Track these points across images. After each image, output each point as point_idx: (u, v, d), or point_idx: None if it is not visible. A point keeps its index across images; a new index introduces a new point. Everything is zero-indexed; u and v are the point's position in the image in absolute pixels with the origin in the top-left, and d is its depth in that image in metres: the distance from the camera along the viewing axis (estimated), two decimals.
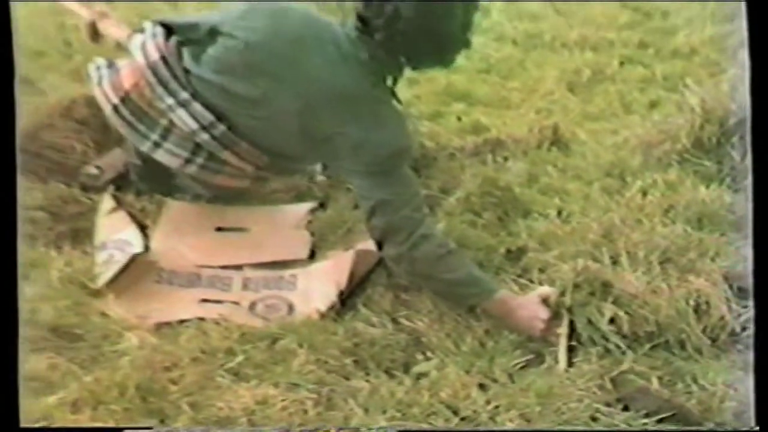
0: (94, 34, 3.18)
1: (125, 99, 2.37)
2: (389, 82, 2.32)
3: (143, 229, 2.43)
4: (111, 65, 2.48)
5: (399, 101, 2.35)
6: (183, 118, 2.31)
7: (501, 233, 2.61)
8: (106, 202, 2.54)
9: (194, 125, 2.30)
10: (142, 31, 2.50)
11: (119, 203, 2.51)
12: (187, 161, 2.37)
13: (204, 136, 2.31)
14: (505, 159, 3.12)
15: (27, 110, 3.17)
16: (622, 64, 4.16)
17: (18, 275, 2.06)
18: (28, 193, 2.62)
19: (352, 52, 2.23)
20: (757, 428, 2.00)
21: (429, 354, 2.11)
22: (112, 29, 3.10)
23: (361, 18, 2.22)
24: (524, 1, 4.95)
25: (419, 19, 2.14)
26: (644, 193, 2.81)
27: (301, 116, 2.23)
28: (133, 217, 2.47)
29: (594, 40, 4.42)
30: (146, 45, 2.40)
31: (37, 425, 1.91)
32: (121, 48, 2.81)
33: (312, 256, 2.48)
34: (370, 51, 2.21)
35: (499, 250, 2.51)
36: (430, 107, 3.60)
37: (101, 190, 2.62)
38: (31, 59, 3.87)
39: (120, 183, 2.57)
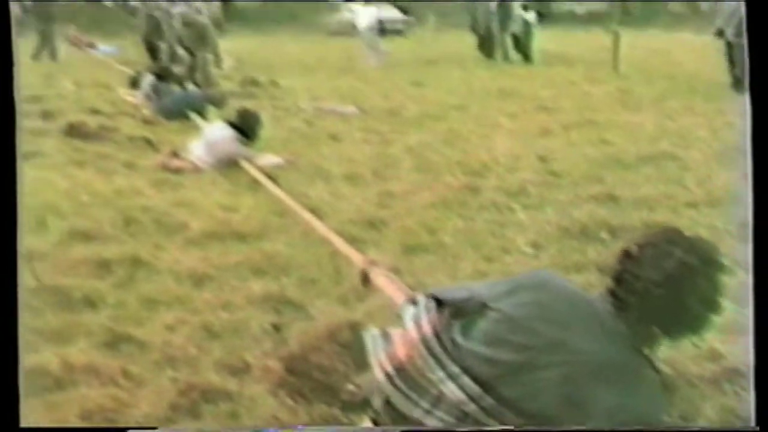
0: (365, 280, 3.53)
1: (399, 369, 2.56)
2: (646, 351, 2.42)
3: None
4: (385, 335, 2.69)
5: (657, 370, 2.43)
6: (453, 391, 2.47)
7: None
8: (366, 423, 2.72)
9: (463, 397, 2.46)
10: (414, 301, 2.73)
11: (376, 424, 2.68)
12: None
13: (472, 407, 2.46)
14: (743, 389, 3.10)
15: (297, 334, 3.52)
16: None
17: (18, 281, 2.24)
18: (293, 412, 2.88)
19: (611, 325, 2.35)
20: (758, 428, 2.11)
21: None
22: (382, 279, 3.44)
23: (614, 294, 2.36)
24: None
25: (668, 294, 2.27)
26: None
27: (563, 384, 2.35)
28: None
29: None
30: (420, 318, 2.62)
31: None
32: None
33: None
34: (627, 324, 2.34)
35: None
36: None
37: (359, 409, 2.83)
38: (303, 286, 4.26)
39: None
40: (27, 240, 4.67)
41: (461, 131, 8.93)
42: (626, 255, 2.36)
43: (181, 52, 14.37)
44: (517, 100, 11.61)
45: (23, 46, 17.37)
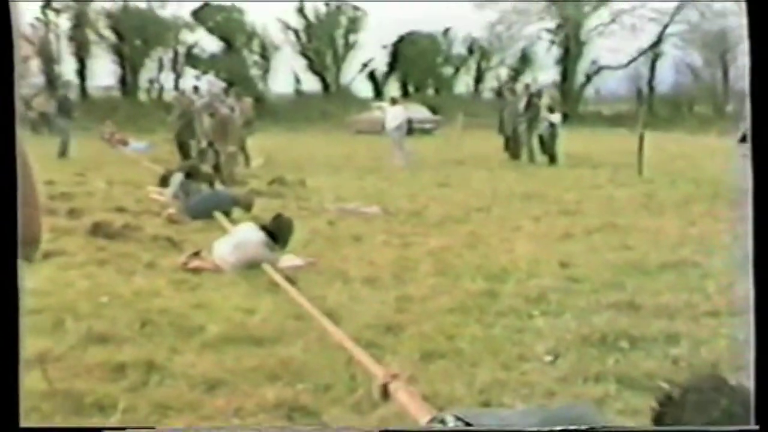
0: (384, 393, 3.53)
1: None
2: None
3: None
4: None
5: None
6: None
7: None
8: None
9: None
10: (441, 420, 2.67)
11: None
12: None
13: None
14: None
15: None
16: None
17: (18, 280, 2.20)
18: None
19: None
20: (757, 428, 2.07)
21: None
22: (403, 394, 3.42)
23: None
24: None
25: None
26: None
27: None
28: None
29: None
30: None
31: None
32: None
33: None
34: None
35: None
36: None
37: None
38: (317, 392, 4.26)
39: None
40: (41, 342, 4.71)
41: (483, 234, 8.96)
42: (668, 398, 2.32)
43: (204, 144, 14.58)
44: (540, 202, 11.66)
45: (51, 144, 17.86)
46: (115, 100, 37.62)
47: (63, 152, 18.34)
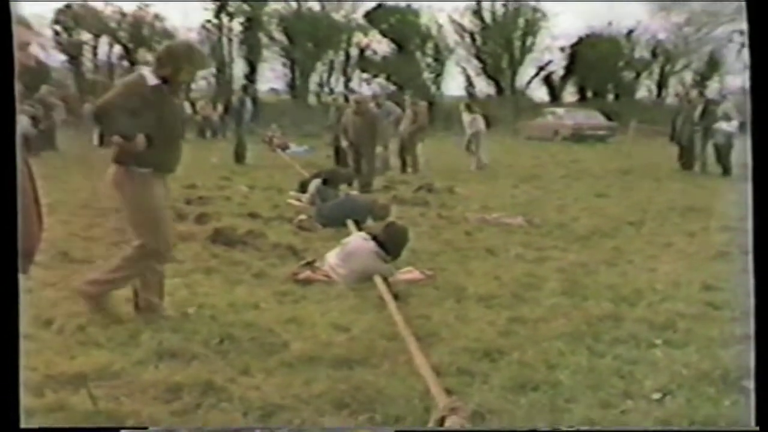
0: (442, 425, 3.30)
1: None
2: None
3: None
4: None
5: None
6: None
7: None
8: None
9: None
10: None
11: None
12: None
13: None
14: None
15: None
16: None
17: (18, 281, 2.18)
18: None
19: None
20: (757, 428, 2.26)
21: None
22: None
23: None
24: None
25: None
26: None
27: None
28: None
29: None
30: None
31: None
32: None
33: None
34: None
35: None
36: None
37: None
38: (384, 423, 3.94)
39: None
40: (106, 356, 4.59)
41: (627, 250, 8.38)
42: None
43: (345, 144, 14.36)
44: (701, 217, 10.83)
45: (211, 148, 18.10)
46: (283, 103, 38.45)
47: (238, 158, 18.67)
